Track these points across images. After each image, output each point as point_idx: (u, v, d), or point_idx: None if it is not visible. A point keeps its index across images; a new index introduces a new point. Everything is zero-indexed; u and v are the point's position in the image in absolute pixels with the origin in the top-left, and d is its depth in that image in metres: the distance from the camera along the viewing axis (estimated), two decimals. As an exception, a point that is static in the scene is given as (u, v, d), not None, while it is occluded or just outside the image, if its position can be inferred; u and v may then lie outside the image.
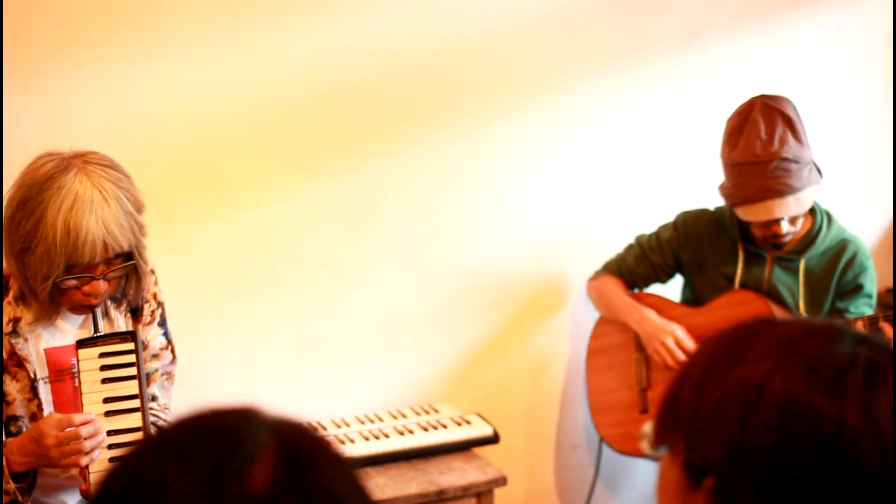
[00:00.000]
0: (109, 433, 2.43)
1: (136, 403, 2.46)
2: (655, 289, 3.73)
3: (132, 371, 2.45)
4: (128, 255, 2.47)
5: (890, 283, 4.31)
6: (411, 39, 3.57)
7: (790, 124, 3.28)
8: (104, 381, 2.45)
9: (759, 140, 3.26)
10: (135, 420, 2.45)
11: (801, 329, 1.25)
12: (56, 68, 3.22)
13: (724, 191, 3.39)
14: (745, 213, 3.34)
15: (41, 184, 2.38)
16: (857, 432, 1.17)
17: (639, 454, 3.65)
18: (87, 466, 2.41)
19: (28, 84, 3.21)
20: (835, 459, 1.16)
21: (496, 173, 3.76)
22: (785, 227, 3.33)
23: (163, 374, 2.71)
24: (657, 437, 1.29)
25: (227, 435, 1.03)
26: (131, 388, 2.45)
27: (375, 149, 3.60)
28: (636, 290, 3.70)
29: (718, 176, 3.44)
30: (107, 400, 2.45)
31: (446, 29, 3.60)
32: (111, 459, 2.40)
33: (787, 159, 3.24)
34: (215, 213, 3.47)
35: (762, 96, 3.36)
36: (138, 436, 2.43)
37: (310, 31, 3.45)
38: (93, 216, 2.36)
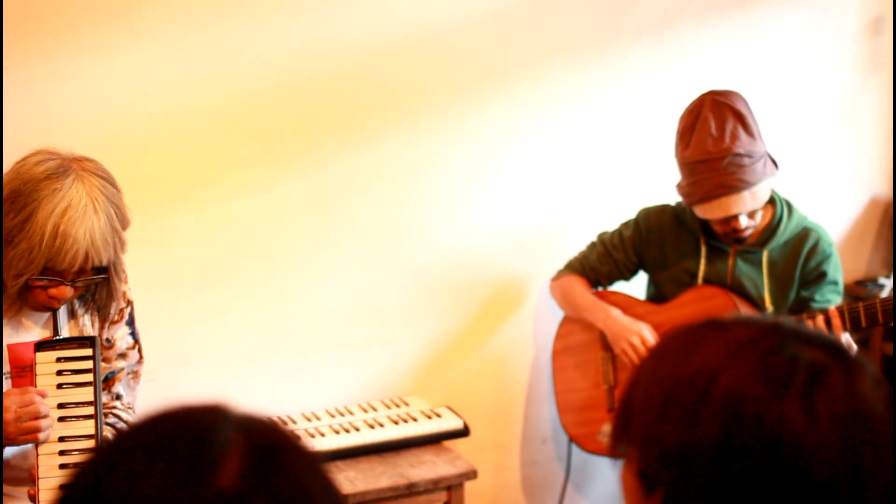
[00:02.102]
0: (61, 439, 2.44)
1: (90, 410, 2.45)
2: (619, 286, 3.72)
3: (88, 377, 2.45)
4: (102, 269, 2.46)
5: (858, 275, 4.33)
6: (381, 31, 3.57)
7: (741, 119, 3.28)
8: (60, 385, 2.45)
9: (711, 137, 3.26)
10: (88, 427, 2.45)
11: (748, 331, 1.25)
12: (28, 60, 3.21)
13: (681, 190, 3.39)
14: (703, 211, 3.34)
15: (37, 181, 2.37)
16: (800, 433, 1.17)
17: (607, 453, 3.65)
18: (36, 468, 2.41)
19: (3, 75, 3.18)
20: (779, 461, 1.17)
21: (465, 167, 3.76)
22: (744, 221, 3.32)
23: (129, 374, 2.70)
24: (614, 441, 1.30)
25: (196, 432, 1.04)
26: (86, 394, 2.45)
27: (345, 142, 3.60)
28: (600, 289, 3.69)
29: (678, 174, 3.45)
30: (61, 405, 2.45)
31: (416, 20, 3.60)
32: (62, 466, 2.42)
33: (739, 154, 3.24)
34: (185, 206, 3.47)
35: (711, 92, 3.35)
36: (90, 443, 2.43)
37: (280, 23, 3.45)
38: (83, 226, 2.36)
